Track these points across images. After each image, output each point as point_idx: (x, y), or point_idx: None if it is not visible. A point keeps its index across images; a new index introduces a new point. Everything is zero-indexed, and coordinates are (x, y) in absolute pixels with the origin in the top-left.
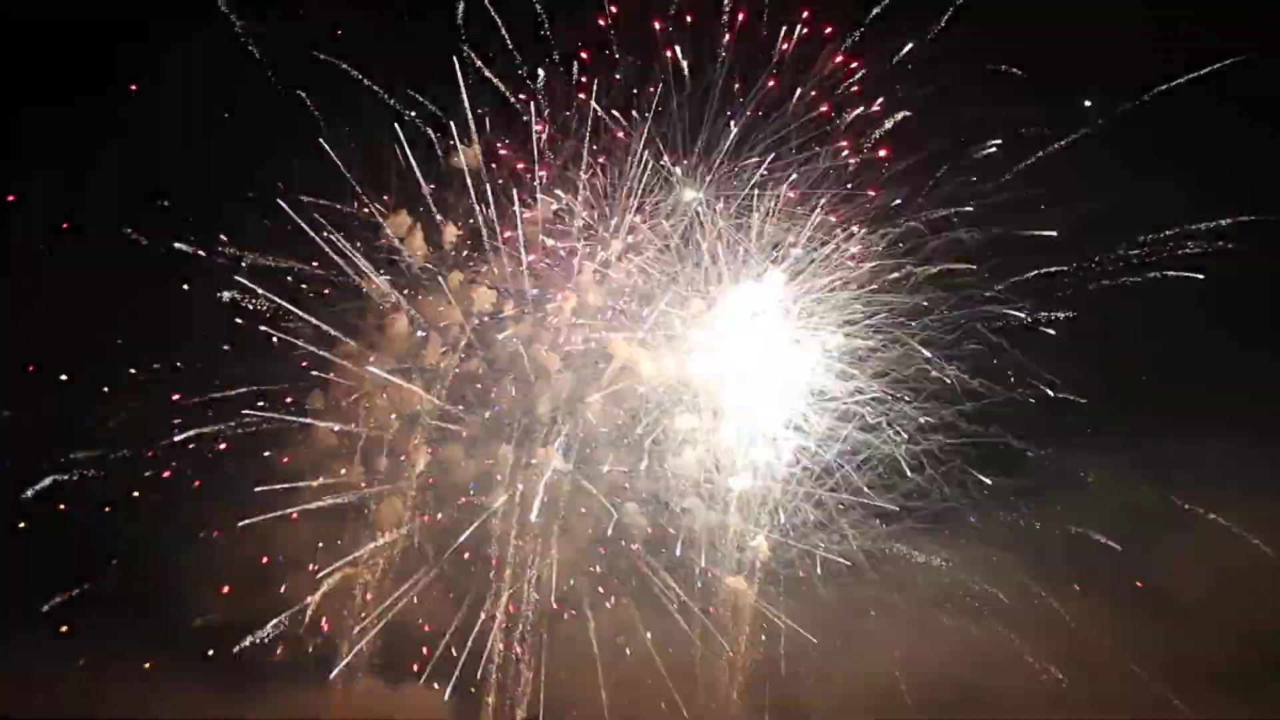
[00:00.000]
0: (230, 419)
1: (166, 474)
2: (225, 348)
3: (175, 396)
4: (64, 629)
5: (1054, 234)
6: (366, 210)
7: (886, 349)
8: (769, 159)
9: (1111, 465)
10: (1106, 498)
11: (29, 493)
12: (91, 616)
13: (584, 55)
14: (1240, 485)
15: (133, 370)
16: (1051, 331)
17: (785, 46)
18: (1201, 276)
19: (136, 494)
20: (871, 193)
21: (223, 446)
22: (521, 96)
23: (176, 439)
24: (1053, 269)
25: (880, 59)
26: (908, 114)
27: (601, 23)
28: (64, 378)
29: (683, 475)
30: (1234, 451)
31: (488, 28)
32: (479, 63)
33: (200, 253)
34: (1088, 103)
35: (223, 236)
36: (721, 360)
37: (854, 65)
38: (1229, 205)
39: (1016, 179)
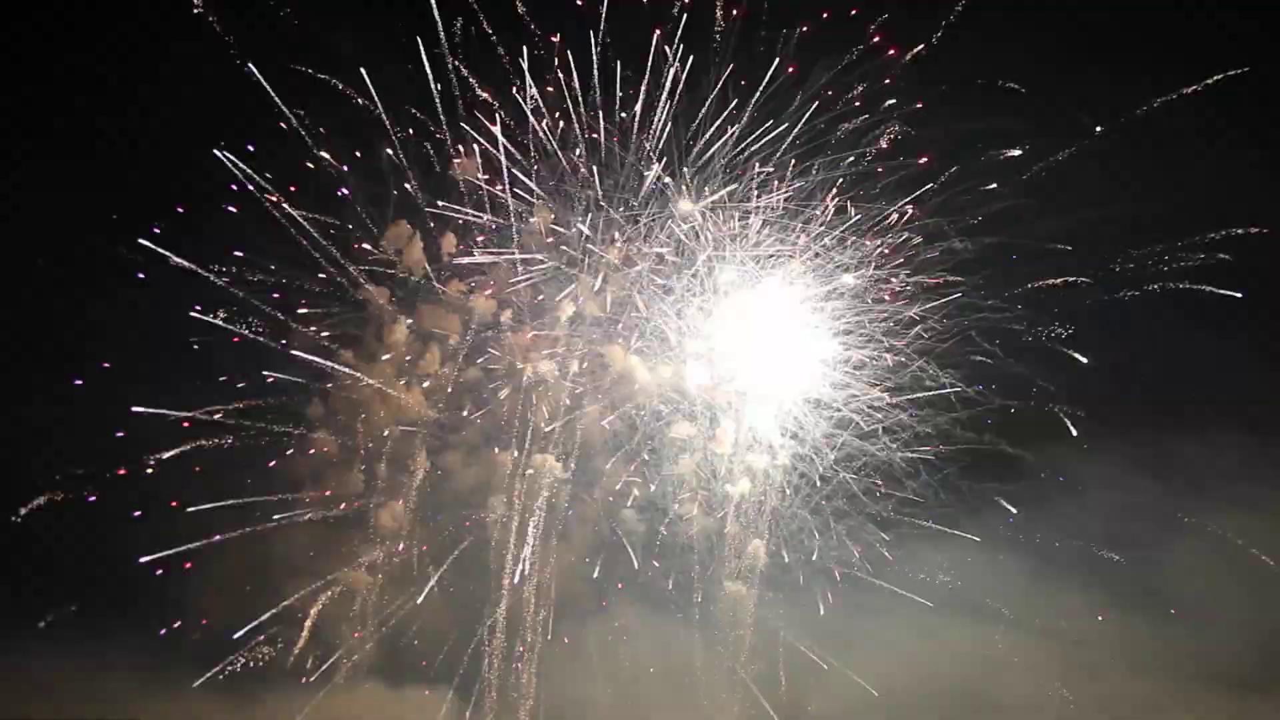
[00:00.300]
0: (229, 431)
1: (165, 486)
2: (223, 360)
3: (173, 409)
4: (63, 641)
5: (1069, 248)
6: (365, 221)
7: (883, 357)
8: (771, 163)
9: (1109, 475)
10: (1104, 507)
11: (26, 508)
12: (90, 629)
13: (555, 39)
14: (1239, 494)
15: (131, 384)
16: (1075, 353)
17: (806, 29)
18: (1240, 295)
19: (135, 506)
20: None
21: (222, 458)
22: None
23: (175, 452)
24: (1052, 281)
25: (886, 63)
26: (907, 129)
27: (580, 2)
28: (61, 394)
29: (680, 483)
30: (1232, 461)
31: (484, 41)
32: (474, 82)
33: (198, 268)
34: (1099, 129)
35: (221, 251)
36: (718, 368)
37: (891, 53)
38: (1227, 217)
39: (1014, 190)
